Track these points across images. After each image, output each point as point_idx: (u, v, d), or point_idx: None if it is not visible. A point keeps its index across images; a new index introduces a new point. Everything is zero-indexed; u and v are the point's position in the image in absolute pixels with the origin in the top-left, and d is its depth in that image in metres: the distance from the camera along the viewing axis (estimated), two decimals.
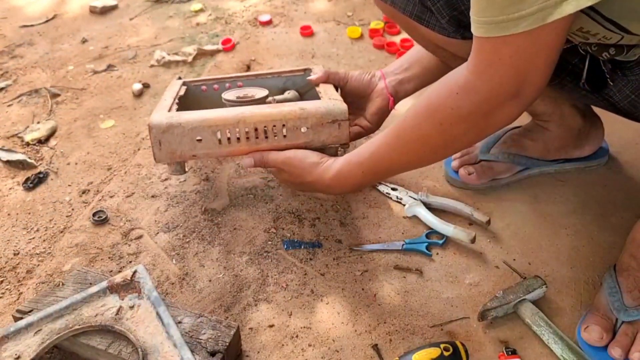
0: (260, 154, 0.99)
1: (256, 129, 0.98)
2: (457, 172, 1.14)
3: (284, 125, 0.98)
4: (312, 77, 1.11)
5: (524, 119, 1.20)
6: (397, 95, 1.12)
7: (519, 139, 1.14)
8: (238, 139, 0.98)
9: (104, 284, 0.85)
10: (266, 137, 0.98)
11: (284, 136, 0.98)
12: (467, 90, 0.74)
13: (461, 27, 0.93)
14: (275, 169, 1.00)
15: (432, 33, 0.97)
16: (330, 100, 1.02)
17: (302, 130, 0.98)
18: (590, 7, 0.64)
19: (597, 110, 1.10)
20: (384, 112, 1.12)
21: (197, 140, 0.97)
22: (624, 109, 0.91)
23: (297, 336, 0.90)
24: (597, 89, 0.90)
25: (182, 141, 0.97)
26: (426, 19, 0.95)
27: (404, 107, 1.15)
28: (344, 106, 1.00)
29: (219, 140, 0.98)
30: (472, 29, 0.70)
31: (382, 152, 0.89)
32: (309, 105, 1.00)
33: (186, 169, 1.05)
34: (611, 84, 0.87)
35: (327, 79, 1.10)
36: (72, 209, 1.14)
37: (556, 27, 0.65)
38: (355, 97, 1.12)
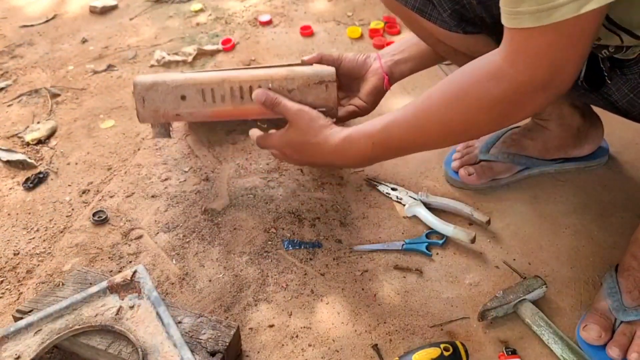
0: (274, 95, 0.95)
1: (241, 88, 0.96)
2: (457, 172, 1.14)
3: (270, 85, 0.96)
4: (306, 57, 1.09)
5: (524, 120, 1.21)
6: (393, 75, 1.10)
7: (518, 138, 1.14)
8: (222, 97, 0.97)
9: (104, 284, 0.86)
10: (252, 97, 0.97)
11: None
12: (499, 78, 0.72)
13: (463, 21, 0.93)
14: (281, 126, 0.96)
15: (434, 26, 0.96)
16: (318, 65, 1.01)
17: (289, 89, 0.97)
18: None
19: (596, 109, 1.11)
20: (380, 92, 1.10)
21: (181, 97, 0.96)
22: (622, 108, 0.91)
23: (297, 336, 0.90)
24: (595, 88, 0.90)
25: (166, 99, 0.97)
26: (428, 11, 0.94)
27: (400, 87, 1.14)
28: (331, 68, 0.99)
29: (204, 98, 0.97)
30: (503, 20, 0.69)
31: (398, 128, 0.85)
32: (296, 67, 0.99)
33: (171, 134, 1.03)
34: (609, 82, 0.87)
35: (320, 59, 1.08)
36: (72, 209, 1.14)
37: (591, 18, 0.64)
38: (350, 78, 1.11)
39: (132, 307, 0.83)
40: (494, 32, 0.97)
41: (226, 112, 0.98)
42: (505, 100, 0.74)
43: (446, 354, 0.81)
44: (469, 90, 0.76)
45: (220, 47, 1.58)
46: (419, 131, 0.84)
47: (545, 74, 0.70)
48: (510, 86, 0.72)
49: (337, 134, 0.90)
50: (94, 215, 1.10)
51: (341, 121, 1.06)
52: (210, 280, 0.99)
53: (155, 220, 1.10)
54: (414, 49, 1.11)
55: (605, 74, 0.87)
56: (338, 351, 0.88)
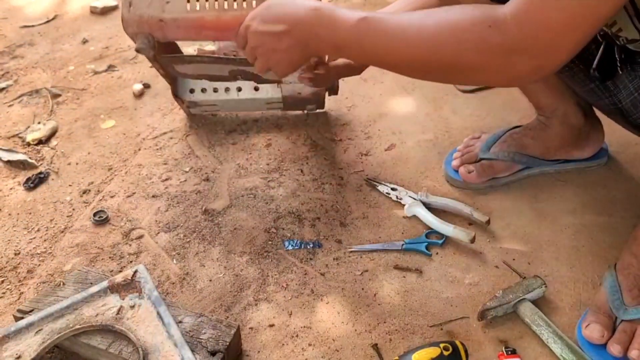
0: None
1: None
2: (457, 171, 1.14)
3: None
4: None
5: (525, 118, 1.21)
6: None
7: (519, 137, 1.14)
8: (206, 2, 0.97)
9: (105, 283, 0.86)
10: (235, 3, 0.96)
11: (255, 3, 0.96)
12: (501, 30, 0.70)
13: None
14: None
15: None
16: None
17: None
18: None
19: (598, 113, 1.11)
20: None
21: (166, 2, 0.97)
22: (625, 109, 0.91)
23: (297, 336, 0.90)
24: (607, 77, 0.90)
25: (152, 3, 0.97)
26: None
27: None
28: None
29: (188, 1, 0.97)
30: None
31: (386, 24, 0.77)
32: None
33: (153, 51, 1.02)
34: (620, 72, 0.87)
35: None
36: (73, 209, 1.14)
37: (610, 4, 0.64)
38: None
39: (132, 307, 0.83)
40: None
41: (210, 22, 0.97)
42: (498, 53, 0.71)
43: (446, 353, 0.81)
44: (469, 26, 0.73)
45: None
46: (406, 40, 0.76)
47: (545, 43, 0.68)
48: (508, 41, 0.70)
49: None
50: (94, 215, 1.10)
51: (338, 76, 1.06)
52: (210, 280, 0.99)
53: (156, 220, 1.10)
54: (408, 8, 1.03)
55: (618, 64, 0.86)
56: (338, 351, 0.88)
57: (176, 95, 1.23)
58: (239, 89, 1.25)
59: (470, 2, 0.78)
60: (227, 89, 1.25)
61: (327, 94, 1.25)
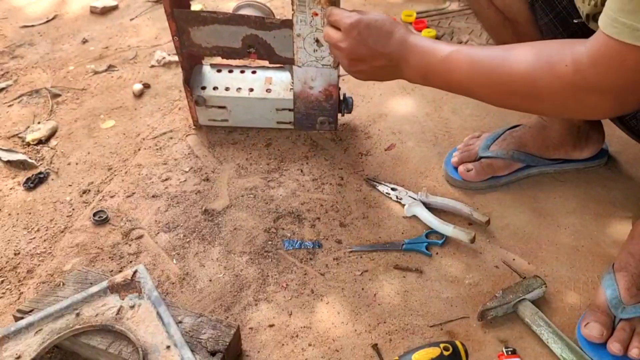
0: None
1: None
2: (457, 171, 1.14)
3: None
4: None
5: (525, 118, 1.21)
6: None
7: (519, 136, 1.14)
8: None
9: (105, 283, 0.86)
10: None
11: None
12: (577, 70, 0.71)
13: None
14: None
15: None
16: None
17: None
18: None
19: None
20: None
21: None
22: None
23: (297, 336, 0.90)
24: None
25: None
26: None
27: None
28: None
29: None
30: (601, 22, 0.67)
31: (471, 59, 0.81)
32: None
33: None
34: None
35: None
36: (73, 209, 1.14)
37: None
38: None
39: (132, 307, 0.83)
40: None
41: None
42: (573, 93, 0.72)
43: (446, 353, 0.81)
44: (547, 64, 0.74)
45: None
46: (488, 75, 0.80)
47: (622, 88, 0.69)
48: (583, 84, 0.71)
49: (408, 33, 0.88)
50: (94, 215, 1.10)
51: None
52: (210, 280, 0.99)
53: (156, 220, 1.10)
54: None
55: None
56: (338, 351, 0.88)
57: (187, 84, 1.22)
58: (251, 90, 1.23)
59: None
60: (238, 89, 1.24)
61: (340, 114, 1.24)
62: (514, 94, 0.78)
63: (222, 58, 1.19)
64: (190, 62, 1.23)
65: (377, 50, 0.88)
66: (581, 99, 0.73)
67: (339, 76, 1.16)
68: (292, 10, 1.05)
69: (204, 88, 1.24)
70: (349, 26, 0.88)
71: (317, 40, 1.09)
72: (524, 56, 0.76)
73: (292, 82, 1.19)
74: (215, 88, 1.24)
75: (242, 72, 1.28)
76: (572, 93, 0.73)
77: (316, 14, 1.05)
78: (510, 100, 0.81)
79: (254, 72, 1.28)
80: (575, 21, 0.90)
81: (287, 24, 1.09)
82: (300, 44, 1.10)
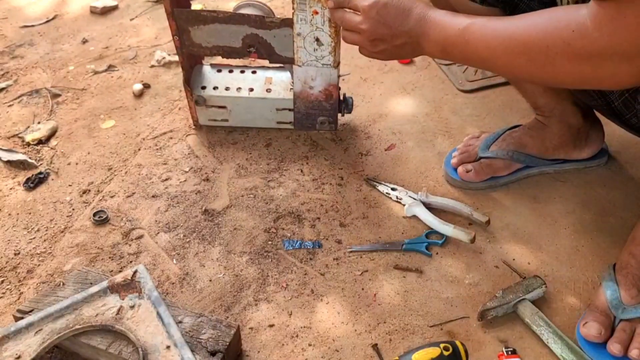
0: None
1: None
2: (456, 170, 1.14)
3: None
4: None
5: (525, 119, 1.21)
6: None
7: (518, 136, 1.14)
8: None
9: (105, 283, 0.86)
10: None
11: None
12: (583, 35, 0.70)
13: None
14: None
15: None
16: None
17: None
18: None
19: (598, 114, 1.11)
20: None
21: None
22: (617, 108, 0.91)
23: (297, 336, 0.90)
24: None
25: None
26: None
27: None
28: None
29: None
30: None
31: (487, 30, 0.82)
32: None
33: None
34: None
35: None
36: (73, 209, 1.14)
37: None
38: None
39: (132, 307, 0.83)
40: (509, 5, 0.97)
41: None
42: (584, 59, 0.72)
43: (446, 353, 0.81)
44: (556, 31, 0.73)
45: None
46: (503, 45, 0.80)
47: (632, 45, 0.67)
48: (592, 48, 0.70)
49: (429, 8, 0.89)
50: (94, 215, 1.10)
51: None
52: (210, 280, 0.99)
53: (156, 220, 1.10)
54: None
55: None
56: (338, 351, 0.88)
57: (187, 84, 1.22)
58: (251, 89, 1.23)
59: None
60: (238, 89, 1.24)
61: (340, 114, 1.24)
62: (530, 62, 0.78)
63: (223, 57, 1.19)
64: (190, 62, 1.23)
65: (397, 29, 0.89)
66: (595, 64, 0.71)
67: (338, 76, 1.16)
68: (293, 9, 1.05)
69: (204, 88, 1.24)
70: (367, 7, 0.89)
71: (317, 39, 1.09)
72: (535, 24, 0.76)
73: (292, 82, 1.19)
74: (215, 88, 1.24)
75: (242, 72, 1.28)
76: (585, 59, 0.72)
77: (316, 13, 1.05)
78: (528, 70, 0.80)
79: (254, 72, 1.28)
80: None
81: (288, 22, 1.09)
82: (300, 43, 1.10)
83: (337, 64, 1.13)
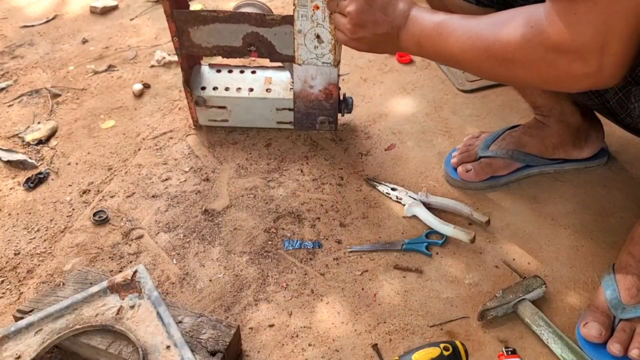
0: None
1: None
2: (456, 170, 1.14)
3: None
4: None
5: (525, 118, 1.21)
6: None
7: (518, 135, 1.14)
8: None
9: (105, 283, 0.86)
10: None
11: None
12: (538, 31, 0.71)
13: None
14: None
15: None
16: None
17: None
18: None
19: (598, 114, 1.11)
20: None
21: None
22: (613, 107, 0.91)
23: (297, 336, 0.90)
24: None
25: None
26: None
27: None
28: None
29: None
30: None
31: (456, 28, 0.83)
32: None
33: None
34: None
35: None
36: (73, 209, 1.14)
37: None
38: None
39: (132, 307, 0.83)
40: (504, 6, 0.97)
41: None
42: (540, 56, 0.72)
43: (446, 353, 0.81)
44: (515, 26, 0.74)
45: None
46: (472, 44, 0.81)
47: (586, 42, 0.67)
48: (547, 44, 0.70)
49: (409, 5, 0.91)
50: (94, 215, 1.10)
51: None
52: (210, 280, 0.99)
53: (156, 220, 1.10)
54: None
55: None
56: (338, 351, 0.88)
57: (187, 85, 1.22)
58: (251, 90, 1.23)
59: None
60: (238, 89, 1.24)
61: (340, 114, 1.24)
62: (493, 60, 0.79)
63: (223, 57, 1.19)
64: (190, 62, 1.23)
65: (382, 17, 0.90)
66: (551, 61, 0.71)
67: (338, 75, 1.16)
68: (294, 4, 1.05)
69: (203, 88, 1.24)
70: None
71: (318, 36, 1.09)
72: (502, 22, 0.77)
73: (292, 82, 1.19)
74: (215, 88, 1.24)
75: (242, 72, 1.28)
76: (540, 55, 0.72)
77: (318, 7, 1.05)
78: (491, 67, 0.81)
79: (253, 72, 1.28)
80: None
81: (288, 20, 1.09)
82: (301, 40, 1.10)
83: (337, 63, 1.13)
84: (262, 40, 1.13)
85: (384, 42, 0.93)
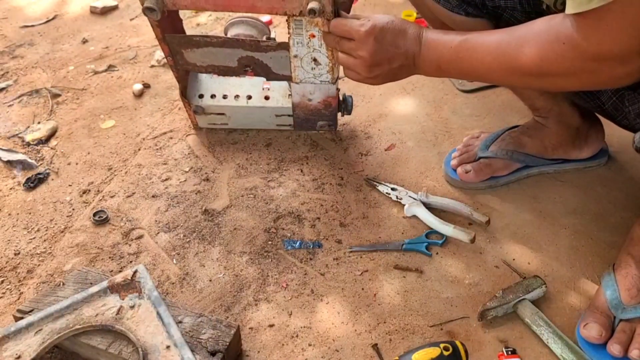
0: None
1: None
2: (456, 170, 1.14)
3: None
4: None
5: (525, 119, 1.21)
6: None
7: (517, 136, 1.14)
8: None
9: (105, 283, 0.86)
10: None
11: None
12: (574, 47, 0.72)
13: (464, 3, 0.92)
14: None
15: (437, 7, 0.97)
16: None
17: None
18: None
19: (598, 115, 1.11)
20: None
21: None
22: (608, 111, 0.91)
23: (297, 336, 0.90)
24: None
25: None
26: None
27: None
28: None
29: None
30: (570, 8, 0.69)
31: (479, 46, 0.83)
32: None
33: (162, 14, 1.01)
34: None
35: None
36: (73, 209, 1.14)
37: None
38: None
39: (132, 307, 0.83)
40: (493, 16, 0.98)
41: None
42: (580, 68, 0.74)
43: (446, 353, 0.81)
44: (546, 44, 0.75)
45: None
46: (497, 60, 0.82)
47: (621, 47, 0.69)
48: (585, 56, 0.72)
49: (422, 31, 0.90)
50: (94, 215, 1.10)
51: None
52: (210, 280, 0.99)
53: (156, 220, 1.10)
54: None
55: None
56: (338, 351, 0.88)
57: (184, 96, 1.20)
58: (249, 97, 1.22)
59: None
60: (236, 96, 1.22)
61: (340, 114, 1.23)
62: (526, 76, 0.80)
63: (218, 75, 1.17)
64: (186, 72, 1.21)
65: (394, 51, 0.89)
66: (593, 69, 0.73)
67: (337, 89, 1.15)
68: (288, 33, 1.03)
69: (201, 96, 1.22)
70: (364, 34, 0.88)
71: (315, 60, 1.07)
72: (527, 40, 0.77)
73: (290, 94, 1.18)
74: (212, 96, 1.22)
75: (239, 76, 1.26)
76: (580, 66, 0.74)
77: (313, 36, 1.03)
78: (525, 81, 0.83)
79: (251, 77, 1.26)
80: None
81: (284, 46, 1.06)
82: (297, 63, 1.09)
83: (335, 80, 1.12)
84: (257, 63, 1.11)
85: (400, 73, 0.93)
